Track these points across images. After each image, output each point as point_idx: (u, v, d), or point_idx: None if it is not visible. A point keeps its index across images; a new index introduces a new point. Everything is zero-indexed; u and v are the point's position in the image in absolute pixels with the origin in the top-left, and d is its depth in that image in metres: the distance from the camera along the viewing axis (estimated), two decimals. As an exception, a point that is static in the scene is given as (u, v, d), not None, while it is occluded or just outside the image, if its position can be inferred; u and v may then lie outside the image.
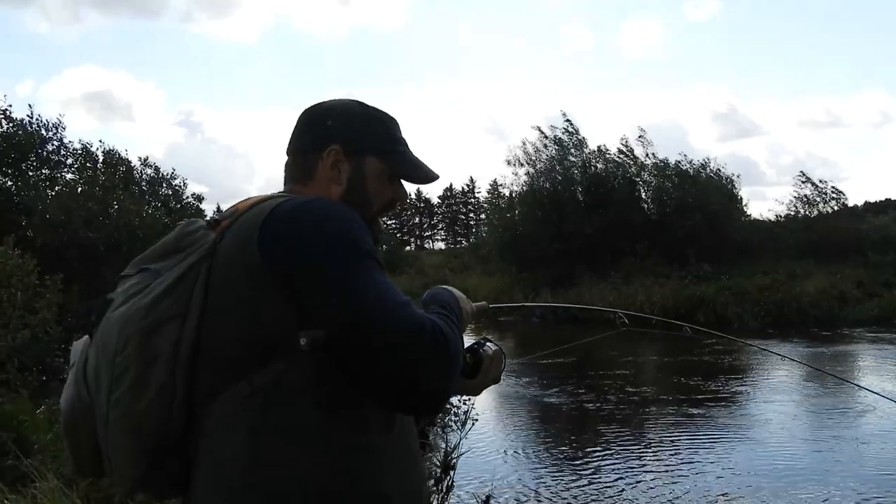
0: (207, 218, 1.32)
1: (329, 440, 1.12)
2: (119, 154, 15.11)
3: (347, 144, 1.32)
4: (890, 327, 16.19)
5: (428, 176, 1.40)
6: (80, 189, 13.16)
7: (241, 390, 1.12)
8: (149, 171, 16.04)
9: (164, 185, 16.00)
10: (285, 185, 1.37)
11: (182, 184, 16.26)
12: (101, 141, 15.31)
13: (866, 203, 37.30)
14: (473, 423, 5.26)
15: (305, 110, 1.39)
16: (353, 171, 1.32)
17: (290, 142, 1.39)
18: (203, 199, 17.82)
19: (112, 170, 14.74)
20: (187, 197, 16.54)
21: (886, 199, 43.07)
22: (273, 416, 1.11)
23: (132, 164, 15.64)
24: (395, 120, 1.40)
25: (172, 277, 1.16)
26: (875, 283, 19.55)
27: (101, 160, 14.85)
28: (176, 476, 1.18)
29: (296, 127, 1.39)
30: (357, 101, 1.39)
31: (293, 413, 1.11)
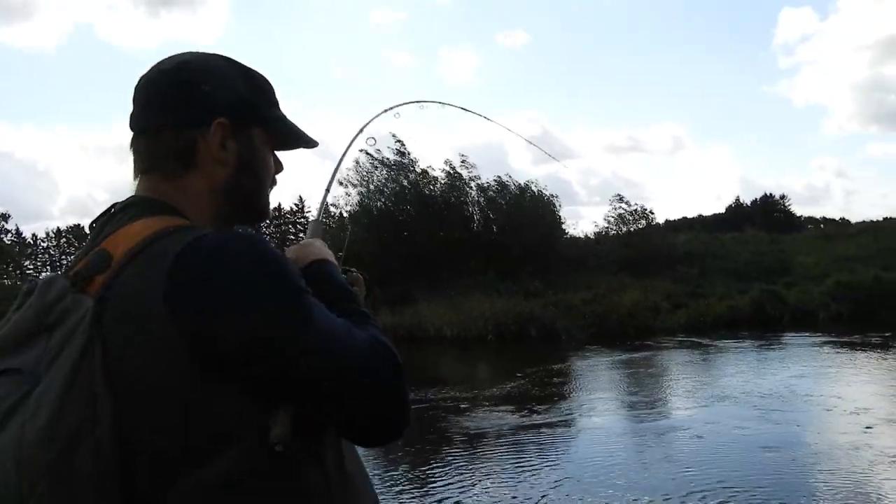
0: (59, 274, 0.95)
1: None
2: None
3: (234, 115, 1.05)
4: (697, 334, 17.90)
5: (312, 141, 1.19)
6: None
7: (190, 487, 0.88)
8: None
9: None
10: (143, 176, 1.05)
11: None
12: None
13: (667, 221, 41.01)
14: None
15: (162, 70, 1.06)
16: (242, 148, 1.06)
17: (142, 116, 1.05)
18: (8, 216, 16.07)
19: None
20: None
21: (683, 218, 47.71)
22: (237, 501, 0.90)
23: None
24: (266, 77, 1.15)
25: (63, 376, 0.84)
26: (682, 294, 21.50)
27: None
28: None
29: (149, 93, 1.05)
30: (220, 56, 1.10)
31: (255, 497, 0.91)
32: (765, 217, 44.24)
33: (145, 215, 0.98)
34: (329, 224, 30.78)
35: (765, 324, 18.47)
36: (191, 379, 0.87)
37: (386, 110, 1.83)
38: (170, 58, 1.08)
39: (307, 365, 0.90)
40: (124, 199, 1.04)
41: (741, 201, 52.41)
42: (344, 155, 1.68)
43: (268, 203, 1.14)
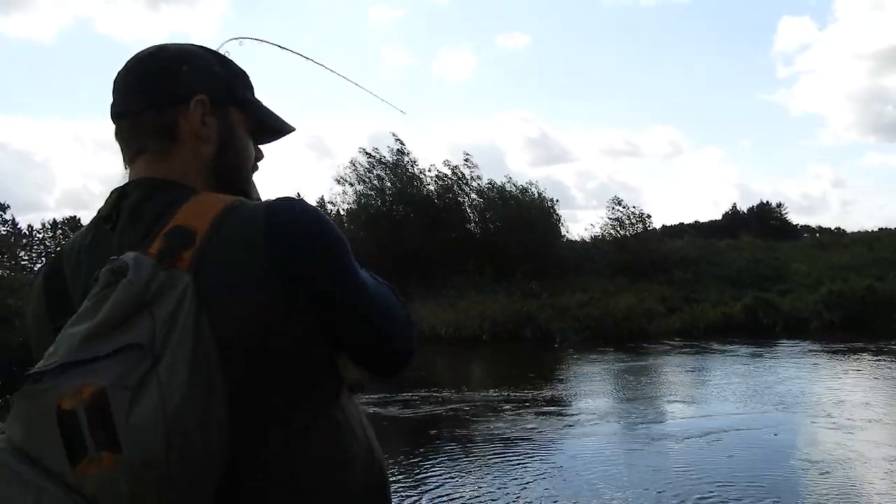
0: (139, 253, 0.98)
1: (351, 432, 1.12)
2: None
3: (213, 93, 1.11)
4: (690, 339, 18.00)
5: (287, 127, 1.25)
6: None
7: (277, 437, 1.02)
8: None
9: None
10: (132, 159, 1.10)
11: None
12: None
13: (664, 227, 41.16)
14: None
15: (140, 57, 1.12)
16: (221, 125, 1.12)
17: (123, 101, 1.10)
18: (7, 206, 16.09)
19: None
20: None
21: (680, 224, 47.83)
22: (313, 450, 1.06)
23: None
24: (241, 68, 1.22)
25: (186, 351, 0.91)
26: (677, 299, 21.58)
27: None
28: None
29: (130, 79, 1.11)
30: (200, 45, 1.17)
31: (327, 436, 1.08)
32: (761, 224, 44.38)
33: (192, 194, 1.05)
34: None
35: (758, 330, 18.58)
36: (291, 329, 1.00)
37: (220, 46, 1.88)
38: (147, 48, 1.14)
39: (365, 306, 1.09)
40: (126, 183, 1.08)
41: (738, 208, 52.57)
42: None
43: (252, 186, 1.19)
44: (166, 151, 1.08)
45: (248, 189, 1.18)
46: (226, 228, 0.99)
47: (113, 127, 1.13)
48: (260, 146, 1.23)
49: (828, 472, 6.44)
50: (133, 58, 1.13)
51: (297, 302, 1.00)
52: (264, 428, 1.01)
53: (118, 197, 1.07)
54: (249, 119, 1.18)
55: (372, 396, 10.90)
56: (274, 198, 1.06)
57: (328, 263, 1.03)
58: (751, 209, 51.00)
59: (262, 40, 1.95)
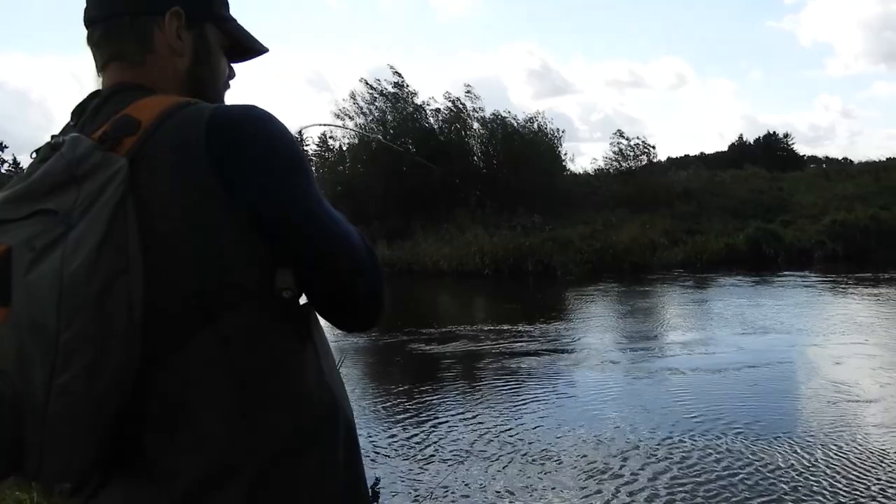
0: (81, 135, 0.99)
1: (300, 364, 1.06)
2: None
3: (189, 7, 1.11)
4: (692, 271, 18.06)
5: (260, 46, 1.24)
6: None
7: (206, 340, 0.97)
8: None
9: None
10: (111, 65, 1.10)
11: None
12: None
13: (669, 159, 40.80)
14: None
15: None
16: (196, 40, 1.13)
17: (97, 5, 1.10)
18: (5, 146, 15.99)
19: None
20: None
21: (686, 156, 47.40)
22: (248, 358, 0.99)
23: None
24: None
25: (101, 224, 0.90)
26: (680, 231, 21.54)
27: None
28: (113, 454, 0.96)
29: None
30: None
31: (267, 349, 1.01)
32: (768, 156, 43.92)
33: (151, 94, 1.04)
34: (328, 157, 30.62)
35: (761, 262, 18.57)
36: (223, 228, 0.97)
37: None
38: None
39: (316, 225, 1.02)
40: (107, 88, 1.08)
41: (744, 139, 51.98)
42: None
43: (222, 101, 1.18)
44: (141, 61, 1.09)
45: (219, 101, 1.17)
46: (171, 122, 0.98)
47: (85, 32, 1.12)
48: (233, 65, 1.23)
49: (833, 403, 6.50)
50: None
51: (232, 203, 0.97)
52: (186, 330, 0.97)
53: (88, 97, 1.09)
54: (224, 36, 1.18)
55: (372, 334, 10.99)
56: (222, 103, 1.07)
57: (271, 174, 1.00)
58: (757, 140, 50.43)
59: (341, 126, 2.06)
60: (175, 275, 0.95)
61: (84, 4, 1.12)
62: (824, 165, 40.88)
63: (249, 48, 1.23)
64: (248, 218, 0.98)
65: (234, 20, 1.20)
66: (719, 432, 5.74)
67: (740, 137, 52.14)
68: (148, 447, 0.98)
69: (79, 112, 1.08)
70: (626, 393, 7.27)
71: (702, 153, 49.97)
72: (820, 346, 9.00)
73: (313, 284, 1.06)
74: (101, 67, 1.11)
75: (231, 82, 1.23)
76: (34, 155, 1.00)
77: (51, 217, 0.90)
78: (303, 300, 1.08)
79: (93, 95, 1.09)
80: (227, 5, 1.20)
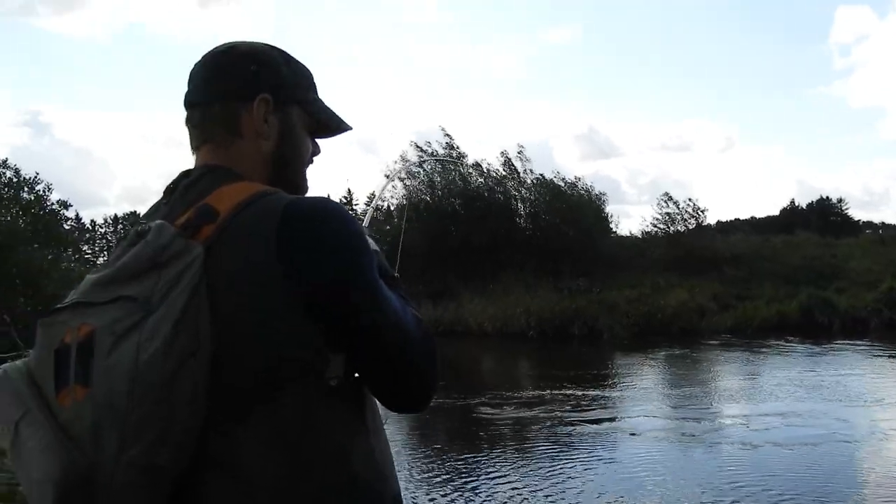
0: (165, 222, 1.07)
1: (350, 441, 1.11)
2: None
3: (276, 93, 1.18)
4: (742, 337, 17.61)
5: (345, 125, 1.31)
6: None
7: (258, 416, 1.04)
8: (8, 173, 14.83)
9: (26, 189, 14.83)
10: (198, 146, 1.20)
11: (46, 189, 15.15)
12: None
13: (718, 223, 40.27)
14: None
15: (214, 53, 1.21)
16: (281, 124, 1.19)
17: (195, 92, 1.20)
18: (69, 205, 16.72)
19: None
20: (52, 203, 15.43)
21: (735, 219, 46.75)
22: (299, 435, 1.06)
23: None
24: (306, 66, 1.29)
25: (177, 310, 0.98)
26: (730, 296, 21.14)
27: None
28: None
29: (203, 72, 1.20)
30: (266, 43, 1.25)
31: (317, 428, 1.08)
32: (821, 220, 43.04)
33: (235, 181, 1.13)
34: (377, 216, 31.13)
35: (814, 330, 18.06)
36: (283, 312, 1.03)
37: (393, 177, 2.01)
38: (223, 44, 1.23)
39: (371, 318, 1.07)
40: (196, 167, 1.18)
41: (796, 204, 51.14)
42: (380, 194, 1.83)
43: (304, 180, 1.26)
44: (230, 143, 1.17)
45: (300, 181, 1.25)
46: (246, 213, 1.06)
47: (185, 114, 1.22)
48: (318, 141, 1.29)
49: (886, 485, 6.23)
50: (209, 52, 1.21)
51: (294, 290, 1.04)
52: (248, 403, 1.04)
53: (180, 176, 1.18)
54: (310, 117, 1.24)
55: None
56: (298, 196, 1.12)
57: (332, 265, 1.06)
58: (810, 205, 49.51)
59: (437, 159, 2.16)
60: (237, 352, 1.03)
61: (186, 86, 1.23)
62: (881, 231, 39.81)
63: (334, 127, 1.30)
64: (306, 305, 1.03)
65: (320, 101, 1.27)
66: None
67: (792, 202, 51.21)
68: None
69: (170, 191, 1.17)
70: (669, 462, 7.10)
71: (752, 217, 49.17)
72: (885, 419, 8.63)
73: (364, 371, 1.12)
74: (196, 147, 1.21)
75: (315, 158, 1.29)
76: (122, 232, 1.10)
77: (132, 303, 0.98)
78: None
79: (184, 174, 1.18)
80: (313, 88, 1.27)
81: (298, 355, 1.05)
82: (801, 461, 6.90)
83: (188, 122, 1.21)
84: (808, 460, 6.93)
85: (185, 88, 1.23)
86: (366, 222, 1.53)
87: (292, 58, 1.25)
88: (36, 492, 0.98)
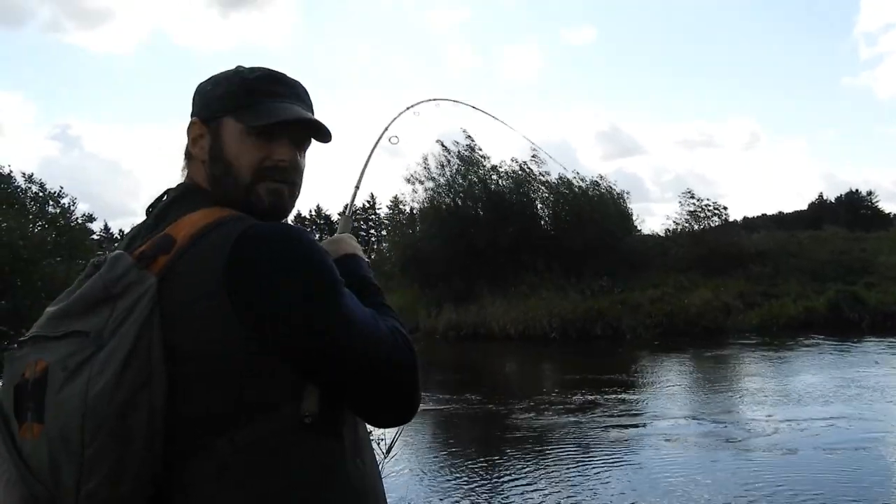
0: (124, 252, 1.08)
1: (317, 477, 1.09)
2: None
3: (204, 113, 1.20)
4: (769, 335, 17.33)
5: (285, 115, 1.17)
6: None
7: (222, 448, 1.04)
8: (34, 188, 15.09)
9: (52, 203, 15.08)
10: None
11: (71, 202, 15.40)
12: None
13: (745, 219, 39.77)
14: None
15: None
16: (211, 141, 1.18)
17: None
18: (94, 218, 17.00)
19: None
20: (77, 217, 15.68)
21: (762, 215, 46.14)
22: (260, 467, 1.05)
23: (15, 181, 14.69)
24: (271, 75, 1.21)
25: (128, 343, 0.99)
26: (755, 294, 20.83)
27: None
28: None
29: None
30: (246, 67, 1.23)
31: (280, 459, 1.06)
32: (851, 214, 42.29)
33: (203, 205, 1.14)
34: (400, 220, 31.12)
35: (842, 326, 17.72)
36: (241, 349, 1.02)
37: (408, 108, 2.01)
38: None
39: (334, 343, 1.05)
40: (175, 187, 1.22)
41: (824, 198, 50.34)
42: (370, 154, 1.80)
43: (255, 194, 1.17)
44: (189, 165, 1.23)
45: (248, 195, 1.17)
46: (203, 243, 1.06)
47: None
48: (296, 145, 1.21)
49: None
50: None
51: (246, 325, 1.02)
52: (204, 436, 1.04)
53: (162, 194, 1.22)
54: (242, 121, 1.17)
55: (443, 395, 10.98)
56: (254, 223, 1.09)
57: (284, 299, 1.03)
58: (838, 198, 48.72)
59: (456, 101, 2.22)
60: (192, 386, 1.03)
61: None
62: (912, 224, 38.97)
63: (275, 119, 1.17)
64: (259, 338, 1.02)
65: (259, 101, 1.18)
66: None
67: (820, 196, 50.49)
68: None
69: (151, 208, 1.21)
70: (700, 467, 6.93)
71: (779, 213, 48.53)
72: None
73: (337, 392, 1.09)
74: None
75: (288, 162, 1.19)
76: (83, 269, 1.12)
77: (83, 338, 1.00)
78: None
79: (165, 193, 1.22)
80: (249, 92, 1.19)
81: (258, 393, 1.04)
82: (840, 466, 6.68)
83: None
84: (847, 464, 6.71)
85: None
86: (340, 230, 1.50)
87: (240, 70, 1.21)
88: None
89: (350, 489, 1.11)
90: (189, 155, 1.23)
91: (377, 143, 1.85)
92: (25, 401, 1.00)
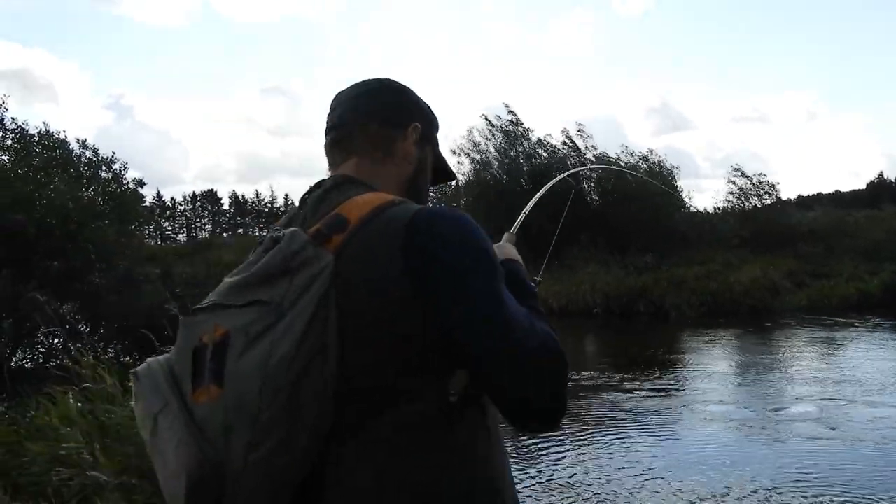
0: (298, 230, 1.13)
1: (466, 458, 1.12)
2: (55, 135, 14.56)
3: (425, 126, 1.33)
4: (818, 316, 16.87)
5: (452, 173, 1.46)
6: (10, 170, 12.57)
7: (381, 425, 1.08)
8: (87, 153, 15.49)
9: (104, 168, 15.47)
10: (342, 161, 1.28)
11: (122, 168, 15.78)
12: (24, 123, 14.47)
13: (799, 197, 38.70)
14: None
15: (369, 84, 1.34)
16: (421, 155, 1.32)
17: (349, 113, 1.30)
18: (145, 183, 17.39)
19: (49, 152, 14.22)
20: (128, 182, 16.06)
21: (818, 193, 44.82)
22: (414, 446, 1.08)
23: (70, 146, 15.09)
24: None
25: (307, 315, 1.03)
26: (805, 273, 20.33)
27: (36, 140, 14.27)
28: None
29: (358, 99, 1.32)
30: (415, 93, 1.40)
31: (431, 438, 1.09)
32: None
33: (367, 191, 1.19)
34: (445, 192, 31.19)
35: (897, 308, 17.16)
36: (413, 325, 1.06)
37: (562, 177, 2.36)
38: (373, 78, 1.36)
39: (492, 333, 1.07)
40: (330, 177, 1.26)
41: (885, 177, 48.63)
42: (546, 188, 2.13)
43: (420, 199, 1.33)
44: (379, 161, 1.28)
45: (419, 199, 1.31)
46: (376, 222, 1.11)
47: (327, 138, 1.33)
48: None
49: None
50: (361, 83, 1.34)
51: (417, 299, 1.07)
52: (377, 406, 1.08)
53: (314, 186, 1.26)
54: (437, 158, 1.38)
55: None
56: (425, 206, 1.16)
57: (455, 276, 1.07)
58: (899, 177, 46.98)
59: (602, 167, 2.31)
60: (363, 359, 1.07)
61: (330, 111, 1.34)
62: (978, 205, 37.41)
63: (445, 172, 1.42)
64: (424, 312, 1.06)
65: (438, 145, 1.40)
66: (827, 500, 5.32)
67: (880, 175, 48.78)
68: None
69: (304, 200, 1.25)
70: (740, 449, 6.81)
71: (836, 191, 47.09)
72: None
73: (486, 387, 1.11)
74: (338, 163, 1.29)
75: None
76: (260, 237, 1.17)
77: (265, 307, 1.04)
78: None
79: (317, 185, 1.25)
80: (438, 131, 1.40)
81: (420, 369, 1.08)
82: (872, 455, 6.46)
83: (334, 139, 1.31)
84: (881, 453, 6.50)
85: (328, 113, 1.34)
86: (504, 240, 1.62)
87: (428, 104, 1.38)
88: (169, 482, 1.04)
89: (492, 469, 1.15)
90: (389, 151, 1.29)
91: (546, 188, 2.21)
92: (204, 364, 1.04)
